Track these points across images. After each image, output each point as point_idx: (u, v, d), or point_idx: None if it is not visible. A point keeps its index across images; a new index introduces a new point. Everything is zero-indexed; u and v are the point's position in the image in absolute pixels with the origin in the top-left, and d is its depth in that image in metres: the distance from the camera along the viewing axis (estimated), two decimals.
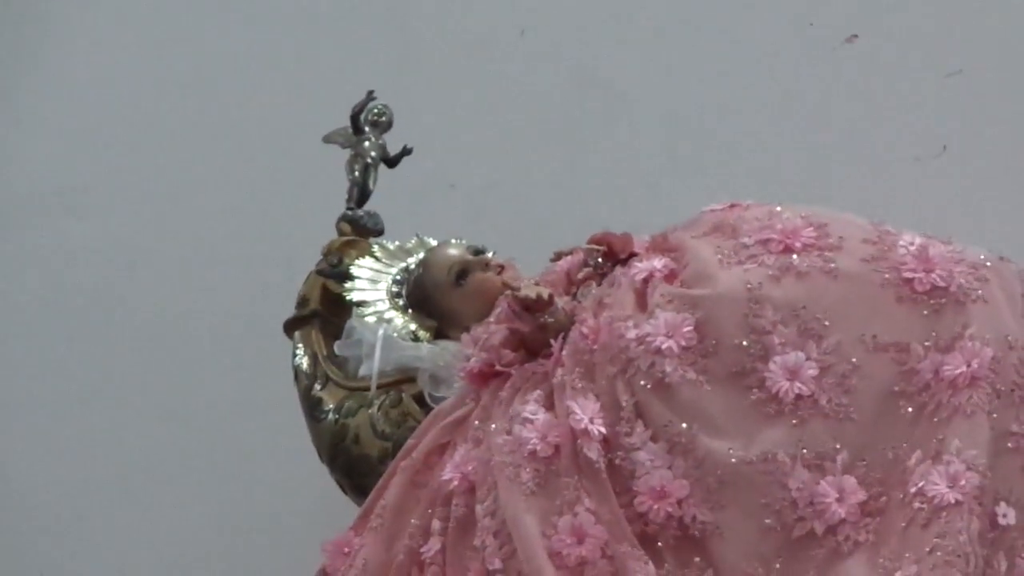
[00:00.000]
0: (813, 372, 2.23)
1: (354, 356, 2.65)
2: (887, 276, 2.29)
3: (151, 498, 3.54)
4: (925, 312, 2.27)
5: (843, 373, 2.24)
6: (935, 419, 2.21)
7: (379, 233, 2.87)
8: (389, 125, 2.92)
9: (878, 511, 2.20)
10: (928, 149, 3.26)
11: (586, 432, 2.24)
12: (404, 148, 2.93)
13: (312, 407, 2.68)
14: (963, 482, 2.15)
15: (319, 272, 2.79)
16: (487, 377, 2.42)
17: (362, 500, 2.49)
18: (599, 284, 2.46)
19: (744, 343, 2.26)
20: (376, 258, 2.77)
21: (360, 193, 2.87)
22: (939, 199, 3.18)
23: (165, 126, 3.71)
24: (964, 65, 3.27)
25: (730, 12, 3.45)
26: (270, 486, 3.42)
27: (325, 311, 2.76)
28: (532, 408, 2.30)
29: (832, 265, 2.30)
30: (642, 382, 2.26)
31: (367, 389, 2.61)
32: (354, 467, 2.60)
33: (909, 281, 2.28)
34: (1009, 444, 2.21)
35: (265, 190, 3.60)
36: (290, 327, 2.79)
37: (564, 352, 2.34)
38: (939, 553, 2.12)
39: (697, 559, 2.21)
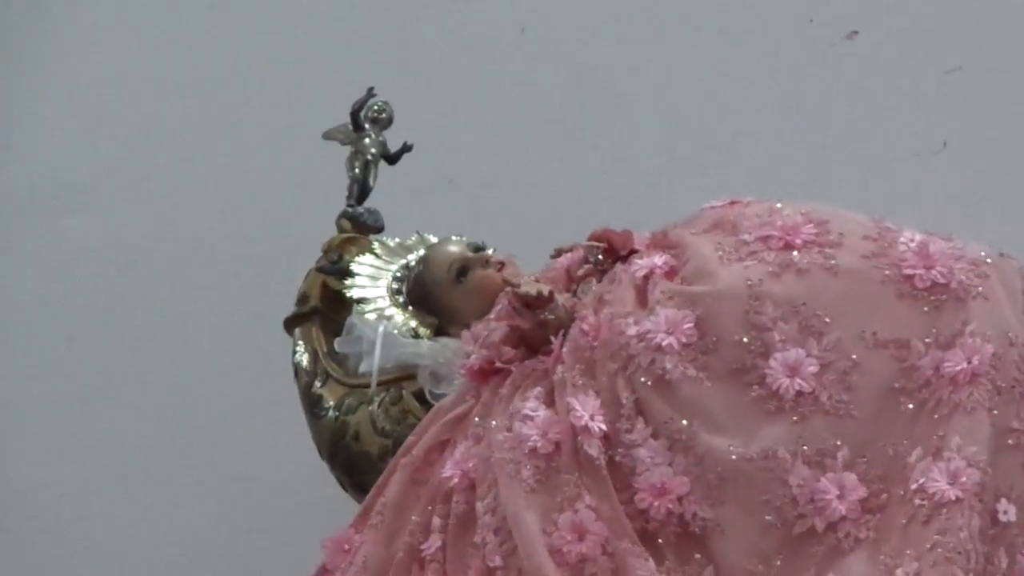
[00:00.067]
0: (813, 369, 2.23)
1: (354, 353, 2.65)
2: (887, 273, 2.29)
3: (151, 497, 3.54)
4: (925, 308, 2.27)
5: (844, 370, 2.23)
6: (936, 416, 2.21)
7: (379, 230, 2.87)
8: (389, 122, 2.92)
9: (879, 508, 2.19)
10: (928, 146, 3.26)
11: (586, 429, 2.24)
12: (404, 145, 2.93)
13: (312, 404, 2.68)
14: (964, 479, 2.15)
15: (319, 269, 2.79)
16: (487, 374, 2.42)
17: (362, 497, 2.48)
18: (599, 281, 2.46)
19: (744, 340, 2.26)
20: (376, 255, 2.77)
21: (360, 190, 2.87)
22: (939, 195, 3.19)
23: (164, 124, 3.71)
24: (964, 62, 3.27)
25: (730, 10, 3.45)
26: (270, 484, 3.42)
27: (325, 308, 2.76)
28: (532, 405, 2.30)
29: (832, 262, 2.30)
30: (642, 379, 2.26)
31: (367, 386, 2.61)
32: (354, 464, 2.60)
33: (910, 278, 2.28)
34: (1010, 441, 2.21)
35: (265, 187, 3.60)
36: (290, 324, 2.79)
37: (564, 349, 2.34)
38: (940, 550, 2.12)
39: (698, 556, 2.21)
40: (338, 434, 2.62)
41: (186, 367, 3.57)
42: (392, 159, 2.92)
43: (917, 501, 2.16)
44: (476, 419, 2.38)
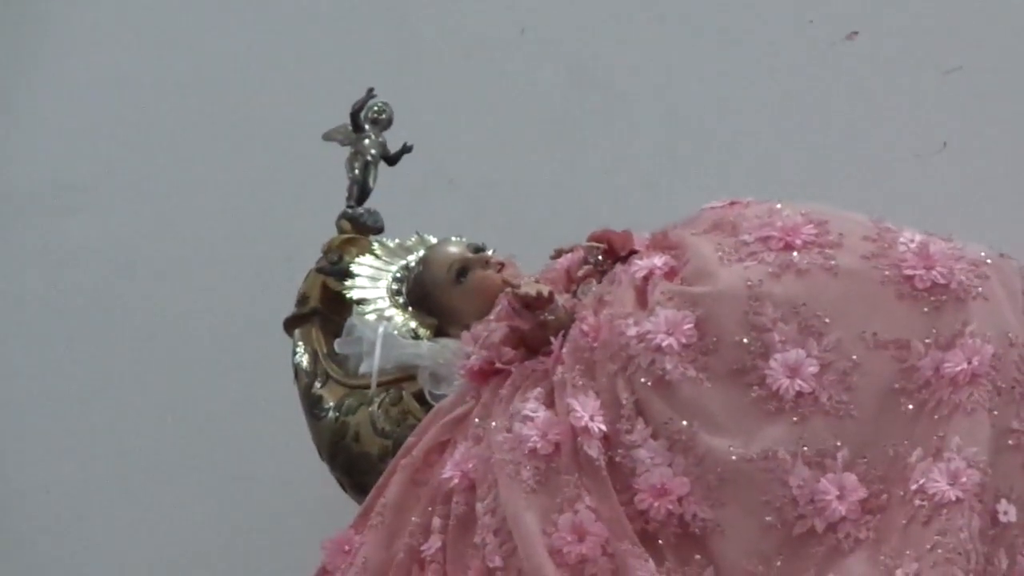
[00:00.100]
0: (813, 369, 2.23)
1: (354, 354, 2.64)
2: (887, 273, 2.29)
3: (151, 497, 3.53)
4: (925, 309, 2.27)
5: (844, 370, 2.23)
6: (936, 416, 2.21)
7: (379, 231, 2.87)
8: (389, 123, 2.92)
9: (879, 508, 2.20)
10: (928, 146, 3.26)
11: (586, 430, 2.24)
12: (404, 146, 2.92)
13: (312, 405, 2.68)
14: (964, 479, 2.15)
15: (319, 270, 2.79)
16: (487, 375, 2.42)
17: (362, 498, 2.48)
18: (599, 281, 2.46)
19: (744, 340, 2.26)
20: (376, 256, 2.77)
21: (360, 191, 2.87)
22: (939, 196, 3.18)
23: (164, 124, 3.70)
24: (964, 62, 3.27)
25: (730, 10, 3.45)
26: (270, 484, 3.42)
27: (325, 309, 2.76)
28: (532, 406, 2.30)
29: (832, 262, 2.30)
30: (642, 379, 2.26)
31: (367, 387, 2.60)
32: (354, 465, 2.60)
33: (909, 278, 2.28)
34: (1010, 441, 2.21)
35: (265, 188, 3.60)
36: (290, 325, 2.79)
37: (564, 350, 2.34)
38: (940, 550, 2.12)
39: (698, 557, 2.21)
40: (338, 435, 2.62)
41: (186, 367, 3.57)
42: (392, 160, 2.92)
43: (917, 502, 2.16)
44: (476, 420, 2.38)
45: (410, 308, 2.68)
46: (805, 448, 2.20)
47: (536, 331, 2.38)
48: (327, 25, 3.68)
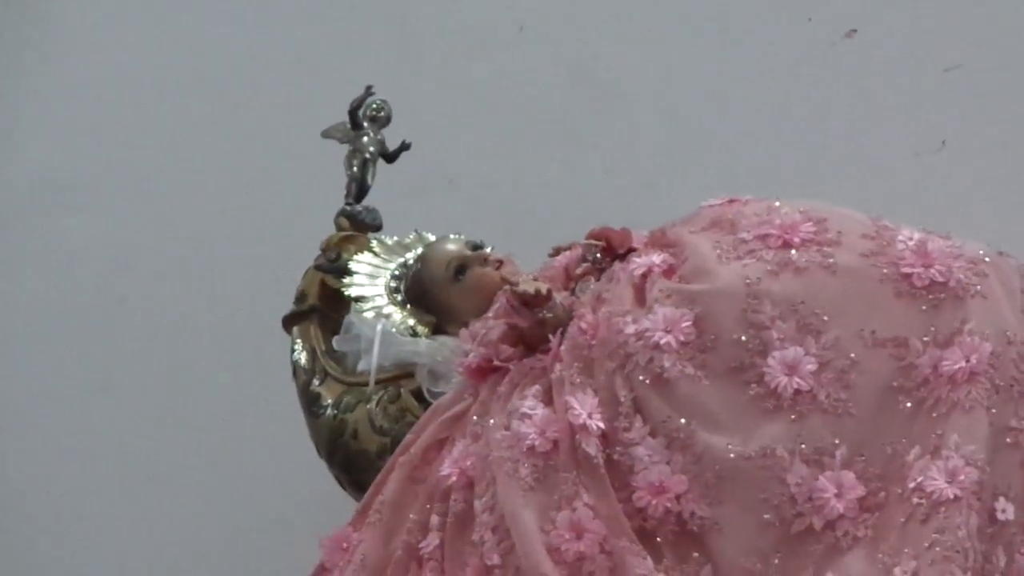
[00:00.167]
0: (812, 367, 2.23)
1: (352, 351, 2.64)
2: (886, 271, 2.29)
3: (150, 496, 3.53)
4: (924, 307, 2.27)
5: (842, 368, 2.24)
6: (934, 414, 2.21)
7: (377, 228, 2.86)
8: (387, 120, 2.92)
9: (877, 506, 2.20)
10: (927, 144, 3.26)
11: (584, 427, 2.24)
12: (403, 143, 2.92)
13: (310, 402, 2.68)
14: (962, 477, 2.15)
15: (317, 267, 2.79)
16: (485, 372, 2.42)
17: (360, 496, 2.48)
18: (597, 279, 2.46)
19: (743, 338, 2.26)
20: (374, 253, 2.77)
21: (358, 188, 2.87)
22: (938, 194, 3.18)
23: (163, 122, 3.70)
24: (963, 60, 3.27)
25: (728, 8, 3.45)
26: (268, 482, 3.41)
27: (323, 306, 2.76)
28: (530, 403, 2.30)
29: (831, 260, 2.30)
30: (641, 377, 2.26)
31: (366, 384, 2.60)
32: (352, 462, 2.60)
33: (908, 276, 2.28)
34: (1008, 439, 2.21)
35: (263, 185, 3.60)
36: (288, 322, 2.79)
37: (562, 347, 2.34)
38: (938, 548, 2.12)
39: (696, 554, 2.21)
40: (336, 432, 2.62)
41: (185, 366, 3.57)
42: (390, 157, 2.92)
43: (915, 500, 2.16)
44: (474, 417, 2.38)
45: (408, 306, 2.68)
46: (803, 446, 2.20)
47: (534, 329, 2.38)
48: (325, 23, 3.68)
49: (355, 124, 2.89)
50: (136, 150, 3.73)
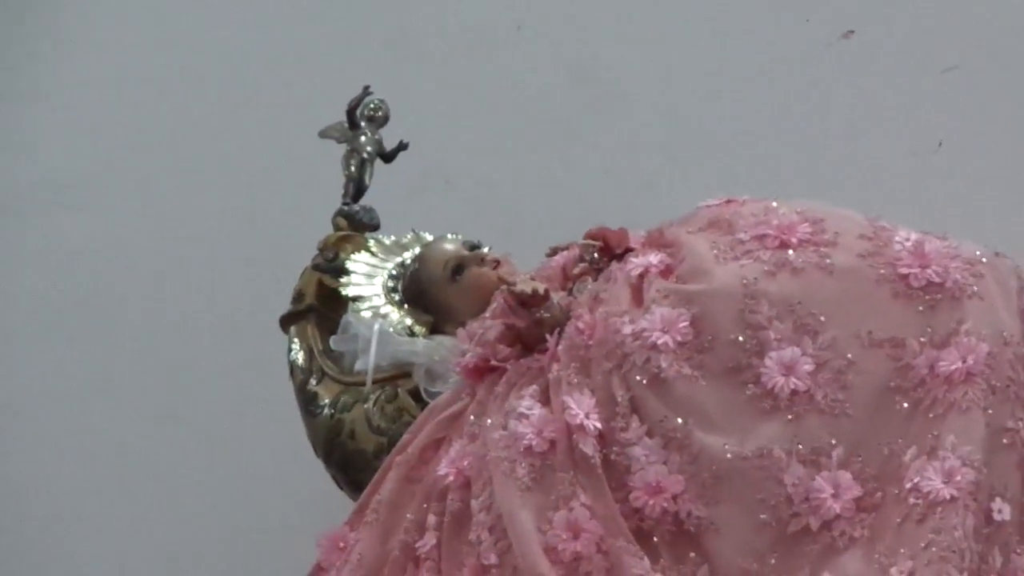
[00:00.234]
0: (809, 368, 2.23)
1: (350, 351, 2.64)
2: (883, 272, 2.29)
3: (150, 495, 3.53)
4: (920, 308, 2.27)
5: (839, 369, 2.24)
6: (930, 415, 2.22)
7: (375, 228, 2.86)
8: (385, 120, 2.92)
9: (873, 507, 2.20)
10: (924, 145, 3.26)
11: (582, 427, 2.24)
12: (400, 143, 2.92)
13: (308, 402, 2.68)
14: (958, 478, 2.15)
15: (315, 267, 2.79)
16: (483, 372, 2.42)
17: (357, 495, 2.49)
18: (595, 279, 2.46)
19: (740, 338, 2.26)
20: (372, 253, 2.77)
21: (356, 188, 2.87)
22: (935, 195, 3.18)
23: (162, 122, 3.70)
24: (960, 61, 3.27)
25: (727, 8, 3.45)
26: (265, 481, 3.41)
27: (321, 306, 2.76)
28: (528, 403, 2.30)
29: (828, 261, 2.30)
30: (638, 377, 2.26)
31: (363, 384, 2.60)
32: (349, 462, 2.60)
33: (905, 277, 2.29)
34: (1004, 440, 2.21)
35: (262, 185, 3.60)
36: (286, 322, 2.79)
37: (560, 347, 2.34)
38: (934, 549, 2.12)
39: (692, 554, 2.21)
40: (333, 432, 2.62)
41: (183, 365, 3.56)
42: (388, 157, 2.91)
43: (912, 500, 2.17)
44: (471, 417, 2.38)
45: (406, 305, 2.67)
46: (800, 446, 2.21)
47: (531, 328, 2.38)
48: (323, 22, 3.68)
49: (353, 124, 2.89)
50: (136, 150, 3.73)
